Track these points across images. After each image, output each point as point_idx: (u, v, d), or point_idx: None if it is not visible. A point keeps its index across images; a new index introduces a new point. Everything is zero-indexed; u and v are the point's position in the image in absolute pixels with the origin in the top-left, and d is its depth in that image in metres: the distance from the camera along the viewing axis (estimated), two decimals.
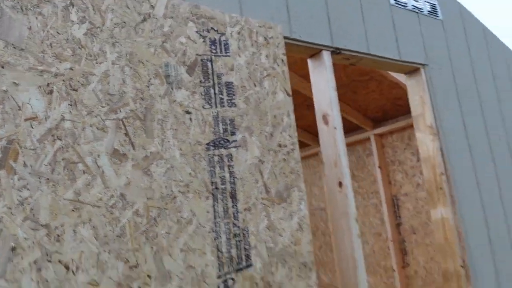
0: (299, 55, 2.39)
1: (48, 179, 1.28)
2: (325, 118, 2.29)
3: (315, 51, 2.32)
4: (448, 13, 3.18)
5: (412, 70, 2.85)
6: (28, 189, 1.23)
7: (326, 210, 5.94)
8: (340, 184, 2.20)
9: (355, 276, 2.12)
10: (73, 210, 1.31)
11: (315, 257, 6.08)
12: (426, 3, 3.02)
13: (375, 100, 4.80)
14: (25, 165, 1.24)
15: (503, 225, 2.99)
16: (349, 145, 5.65)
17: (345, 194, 2.17)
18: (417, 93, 2.85)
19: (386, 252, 5.21)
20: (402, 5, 2.84)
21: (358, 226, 2.17)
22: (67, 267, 1.26)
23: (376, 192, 5.32)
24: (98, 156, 1.38)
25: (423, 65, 2.84)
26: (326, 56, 2.32)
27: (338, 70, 4.06)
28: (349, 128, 5.55)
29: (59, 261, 1.25)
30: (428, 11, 3.02)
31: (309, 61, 2.39)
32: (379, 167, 5.15)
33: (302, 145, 6.13)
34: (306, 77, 4.28)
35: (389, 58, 2.63)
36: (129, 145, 1.44)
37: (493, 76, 3.39)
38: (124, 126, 1.45)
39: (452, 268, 2.67)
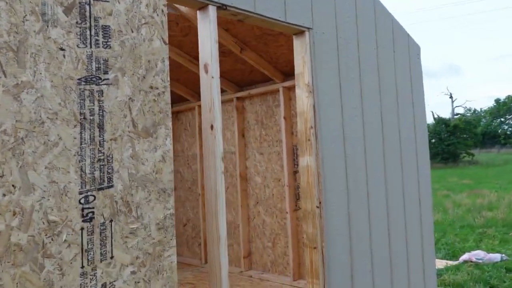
0: (188, 7, 2.62)
1: None
2: (205, 67, 2.57)
3: (202, 5, 2.56)
4: None
5: (297, 32, 3.18)
6: None
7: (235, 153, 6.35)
8: (212, 127, 2.53)
9: (216, 205, 2.50)
10: None
11: None
12: None
13: (284, 54, 5.12)
14: None
15: (362, 174, 3.51)
16: (261, 95, 6.01)
17: (215, 136, 2.51)
18: (300, 53, 3.19)
19: (283, 196, 5.75)
20: None
21: (223, 164, 2.52)
22: None
23: (279, 141, 5.78)
24: None
25: (308, 28, 3.17)
26: (212, 10, 2.57)
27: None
28: (262, 79, 5.89)
29: None
30: None
31: (198, 13, 2.62)
32: (284, 117, 5.58)
33: (222, 91, 6.41)
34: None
35: (275, 19, 2.93)
36: (0, 73, 1.65)
37: (377, 45, 3.81)
38: None
39: (310, 207, 3.15)
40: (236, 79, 6.05)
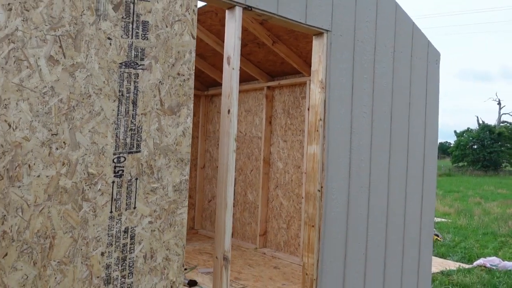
0: (219, 6, 3.04)
1: (2, 67, 1.97)
2: (228, 60, 2.99)
3: (230, 5, 2.98)
4: None
5: (317, 33, 3.54)
6: None
7: (260, 137, 6.78)
8: (229, 111, 2.96)
9: (226, 178, 2.94)
10: (18, 90, 2.02)
11: (246, 179, 7.00)
12: None
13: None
14: None
15: (366, 166, 3.86)
16: (290, 86, 6.39)
17: (230, 119, 2.94)
18: (317, 52, 3.56)
19: (301, 182, 6.15)
20: None
21: (235, 144, 2.96)
22: (9, 125, 2.00)
23: (302, 131, 6.16)
24: (39, 58, 2.08)
25: (326, 31, 3.53)
26: (238, 11, 2.98)
27: None
28: (292, 71, 6.26)
29: (5, 121, 1.98)
30: None
31: (226, 12, 3.04)
32: (308, 109, 5.94)
33: (253, 78, 6.85)
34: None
35: (296, 21, 3.31)
36: (61, 55, 2.14)
37: (394, 49, 4.11)
38: (60, 41, 2.13)
39: (313, 190, 3.55)
40: (268, 69, 6.45)
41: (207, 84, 7.64)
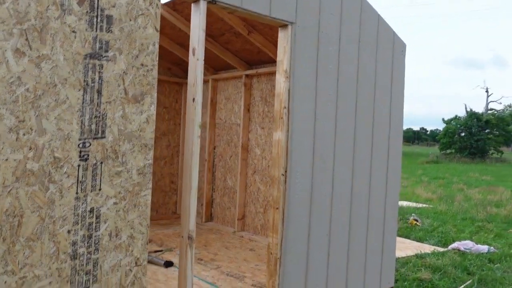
0: (185, 0, 3.19)
1: None
2: (193, 51, 3.16)
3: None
4: None
5: (282, 25, 3.71)
6: None
7: (239, 124, 6.97)
8: (193, 99, 3.14)
9: (191, 162, 3.13)
10: None
11: (225, 164, 7.20)
12: None
13: None
14: None
15: (330, 152, 4.07)
16: (267, 74, 6.56)
17: (195, 107, 3.12)
18: (282, 43, 3.74)
19: None
20: None
21: (199, 130, 3.14)
22: None
23: None
24: (6, 50, 2.24)
25: (291, 23, 3.71)
26: (203, 4, 3.14)
27: None
28: (269, 60, 6.43)
29: None
30: None
31: (192, 6, 3.20)
32: None
33: (231, 67, 7.00)
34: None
35: (260, 14, 3.48)
36: (27, 47, 2.30)
37: (359, 40, 4.29)
38: (26, 34, 2.29)
39: (277, 174, 3.76)
40: (246, 58, 6.61)
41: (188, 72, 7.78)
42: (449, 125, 45.18)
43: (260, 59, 6.52)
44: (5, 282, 2.27)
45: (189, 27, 5.84)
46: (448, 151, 44.15)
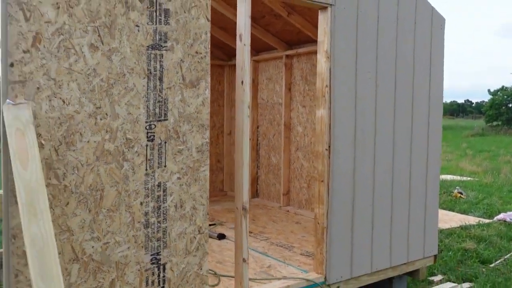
0: None
1: (55, 55, 2.48)
2: (240, 37, 3.41)
3: None
4: None
5: (321, 7, 3.90)
6: (45, 59, 2.44)
7: (281, 103, 7.21)
8: (242, 82, 3.40)
9: (242, 139, 3.42)
10: (68, 73, 2.53)
11: (269, 143, 7.49)
12: None
13: None
14: (44, 46, 2.44)
15: (371, 128, 4.26)
16: (307, 54, 6.74)
17: (244, 88, 3.39)
18: (322, 25, 3.93)
19: None
20: None
21: (248, 110, 3.41)
22: (63, 101, 2.52)
23: None
24: (83, 46, 2.57)
25: (330, 5, 3.88)
26: None
27: None
28: (308, 40, 6.59)
29: (60, 98, 2.50)
30: None
31: None
32: None
33: (272, 48, 7.22)
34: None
35: None
36: (100, 42, 2.62)
37: (397, 18, 4.41)
38: (98, 30, 2.61)
39: (321, 150, 4.00)
40: (286, 38, 6.80)
41: (230, 54, 8.05)
42: (495, 96, 43.59)
43: (299, 39, 6.69)
44: (92, 246, 2.65)
45: (230, 11, 6.09)
46: (495, 123, 42.69)
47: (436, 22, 4.78)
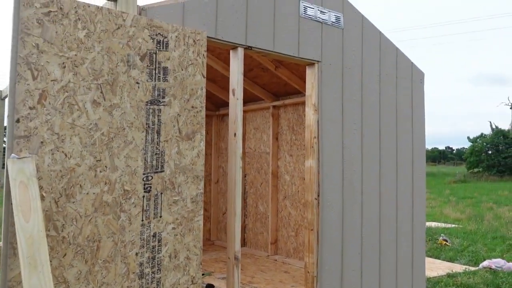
0: (224, 48, 3.65)
1: (59, 111, 2.60)
2: (233, 92, 3.59)
3: (233, 46, 3.59)
4: (350, 22, 4.42)
5: (309, 64, 4.14)
6: (49, 115, 2.56)
7: (268, 153, 7.36)
8: (235, 134, 3.55)
9: (234, 190, 3.52)
10: (71, 128, 2.64)
11: (256, 191, 7.57)
12: (332, 15, 4.25)
13: None
14: (49, 103, 2.56)
15: (358, 176, 4.41)
16: (293, 105, 6.98)
17: (236, 141, 3.54)
18: (310, 80, 4.15)
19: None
20: (309, 17, 4.07)
21: (241, 161, 3.54)
22: (65, 155, 2.61)
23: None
24: (86, 102, 2.70)
25: (317, 61, 4.13)
26: (240, 51, 3.59)
27: None
28: (294, 91, 6.86)
29: (62, 152, 2.60)
30: (332, 21, 4.25)
31: (230, 52, 3.65)
32: None
33: (259, 99, 7.46)
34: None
35: (290, 55, 3.91)
36: (102, 98, 2.76)
37: (380, 72, 4.68)
38: (101, 87, 2.76)
39: (310, 199, 4.11)
40: (273, 90, 7.06)
41: (218, 105, 8.27)
42: (475, 143, 44.64)
43: (286, 91, 6.95)
44: None
45: (219, 64, 6.34)
46: (476, 169, 43.48)
47: (416, 76, 5.07)
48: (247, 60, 6.14)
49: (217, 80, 7.27)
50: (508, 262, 9.07)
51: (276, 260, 6.91)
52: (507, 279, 7.96)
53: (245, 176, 7.85)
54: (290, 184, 6.99)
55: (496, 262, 9.03)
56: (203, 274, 5.92)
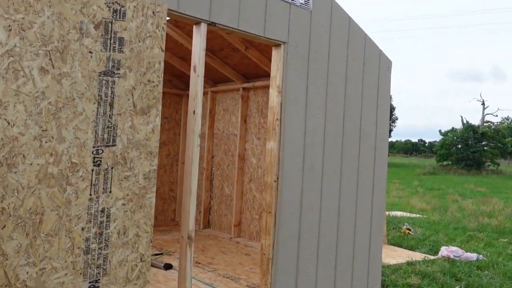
0: (187, 23, 3.55)
1: (3, 76, 2.47)
2: (194, 68, 3.50)
3: (197, 21, 3.49)
4: (319, 5, 4.36)
5: (275, 44, 4.07)
6: None
7: (236, 134, 7.30)
8: (194, 112, 3.47)
9: (191, 168, 3.45)
10: (15, 95, 2.52)
11: (223, 173, 7.52)
12: None
13: None
14: None
15: (319, 160, 4.40)
16: (263, 87, 6.92)
17: (195, 118, 3.46)
18: (275, 61, 4.09)
19: None
20: None
21: (199, 139, 3.47)
22: (8, 123, 2.49)
23: None
24: (32, 69, 2.57)
25: (283, 42, 4.06)
26: (203, 27, 3.49)
27: None
28: (265, 74, 6.79)
29: (5, 119, 2.48)
30: (301, 3, 4.18)
31: (193, 27, 3.55)
32: None
33: (230, 80, 7.36)
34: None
35: (255, 34, 3.83)
36: (51, 66, 2.64)
37: (347, 58, 4.65)
38: (50, 54, 2.63)
39: (269, 181, 4.08)
40: (244, 71, 6.97)
41: (188, 84, 8.14)
42: (446, 137, 45.62)
43: (256, 73, 6.87)
44: (27, 272, 2.58)
45: (190, 42, 6.21)
46: (445, 162, 44.51)
47: (384, 64, 5.07)
48: (218, 39, 6.03)
49: (187, 59, 7.13)
50: (466, 252, 9.32)
51: (238, 243, 6.91)
52: (464, 268, 8.17)
53: (212, 158, 7.78)
54: (256, 167, 6.96)
55: (454, 251, 9.26)
56: (161, 254, 5.88)
